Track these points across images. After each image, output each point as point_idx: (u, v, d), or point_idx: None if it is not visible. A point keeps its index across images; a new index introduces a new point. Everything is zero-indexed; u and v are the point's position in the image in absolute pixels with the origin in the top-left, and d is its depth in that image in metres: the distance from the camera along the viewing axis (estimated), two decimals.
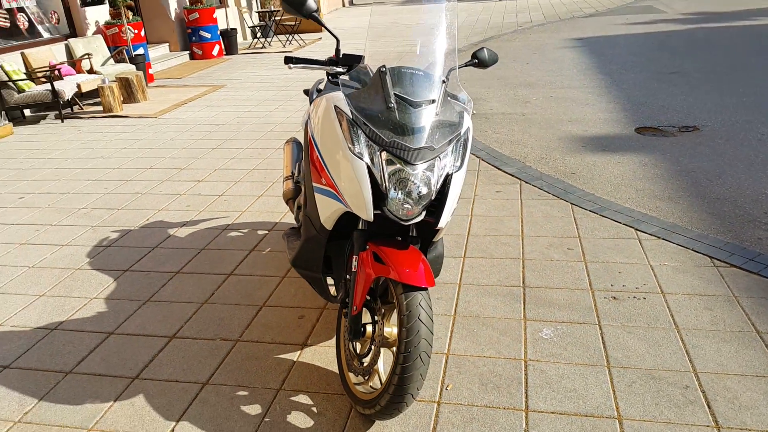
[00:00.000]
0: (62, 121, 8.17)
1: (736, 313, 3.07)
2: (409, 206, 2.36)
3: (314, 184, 2.66)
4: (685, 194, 4.57)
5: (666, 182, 4.82)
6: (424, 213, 2.41)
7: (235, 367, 2.94)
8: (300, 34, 16.08)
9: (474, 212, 4.46)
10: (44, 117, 8.51)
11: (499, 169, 5.33)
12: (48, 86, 7.90)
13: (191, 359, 3.03)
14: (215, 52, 12.92)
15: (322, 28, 15.87)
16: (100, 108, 8.62)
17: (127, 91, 8.73)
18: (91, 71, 9.27)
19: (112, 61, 9.82)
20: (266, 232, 4.40)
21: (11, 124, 7.79)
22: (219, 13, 14.04)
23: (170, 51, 12.74)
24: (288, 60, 2.74)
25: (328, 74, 2.75)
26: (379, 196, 2.37)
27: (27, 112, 8.68)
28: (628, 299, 3.26)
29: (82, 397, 2.80)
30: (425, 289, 2.35)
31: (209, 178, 5.61)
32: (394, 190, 2.35)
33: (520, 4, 20.23)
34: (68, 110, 8.67)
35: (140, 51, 10.20)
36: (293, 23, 14.87)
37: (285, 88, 9.45)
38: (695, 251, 3.68)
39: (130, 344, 3.18)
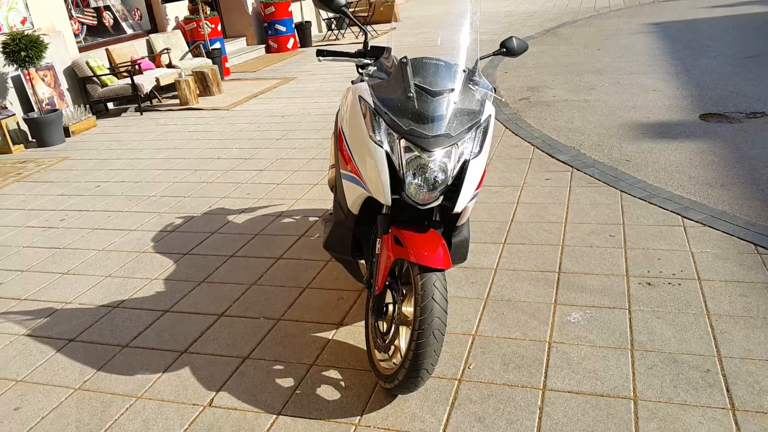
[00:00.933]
0: (141, 114, 8.71)
1: None
2: (426, 191, 2.47)
3: (342, 171, 2.82)
4: (739, 181, 4.42)
5: (721, 169, 4.67)
6: (441, 198, 2.51)
7: (274, 344, 3.15)
8: (373, 25, 16.27)
9: (521, 200, 4.49)
10: (125, 110, 9.09)
11: (552, 156, 5.31)
12: (129, 80, 8.43)
13: (236, 336, 3.25)
14: (290, 45, 13.30)
15: (397, 18, 15.89)
16: (177, 101, 9.11)
17: (203, 84, 9.18)
18: (169, 65, 9.80)
19: (189, 55, 10.33)
20: (317, 218, 4.61)
21: (95, 117, 8.38)
22: (294, 7, 14.41)
23: (247, 45, 13.22)
24: (319, 53, 2.90)
25: (357, 66, 2.88)
26: (399, 181, 2.49)
27: (110, 105, 9.29)
28: (662, 285, 3.24)
29: (134, 369, 3.08)
30: (441, 270, 2.46)
31: (270, 167, 5.88)
32: (412, 175, 2.46)
33: None
34: (147, 103, 9.22)
35: (217, 45, 10.67)
36: (366, 14, 15.08)
37: (353, 78, 9.66)
38: (740, 238, 3.59)
39: (182, 321, 3.45)
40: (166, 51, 9.77)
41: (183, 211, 5.03)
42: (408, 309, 2.61)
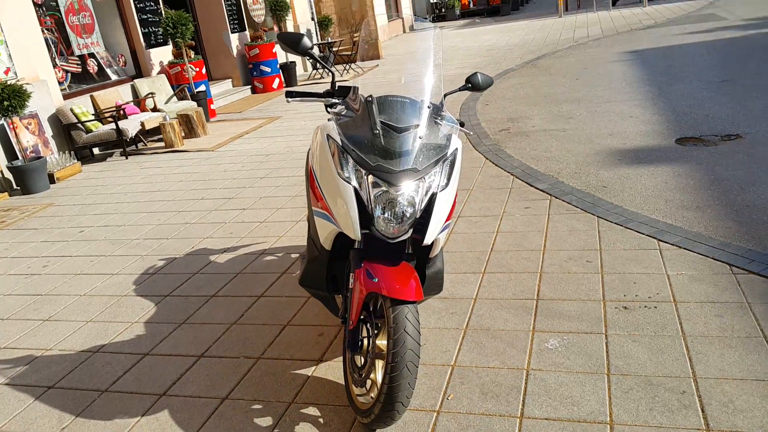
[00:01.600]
0: (126, 158, 8.76)
1: (746, 319, 3.03)
2: (395, 225, 2.50)
3: (313, 208, 2.85)
4: (714, 203, 4.48)
5: (696, 192, 4.73)
6: (411, 231, 2.55)
7: (253, 383, 3.13)
8: (357, 63, 16.50)
9: (501, 228, 4.53)
10: (111, 154, 9.14)
11: (531, 185, 5.37)
12: (113, 126, 8.50)
13: (215, 376, 3.24)
14: (275, 85, 13.47)
15: (380, 55, 16.12)
16: (163, 144, 9.17)
17: (188, 126, 9.27)
18: (154, 109, 9.89)
19: (175, 98, 10.44)
20: (298, 254, 4.62)
21: (79, 162, 8.43)
22: (278, 48, 14.63)
23: (233, 86, 13.38)
24: (288, 94, 2.96)
25: (325, 106, 2.94)
26: (369, 216, 2.53)
27: (96, 150, 9.34)
28: (638, 308, 3.26)
29: (113, 413, 3.05)
30: (414, 302, 2.48)
31: (254, 205, 5.91)
32: (381, 210, 2.50)
33: (579, 19, 20.03)
34: (133, 147, 9.29)
35: (201, 88, 10.80)
36: (350, 53, 15.32)
37: None
38: (715, 259, 3.63)
39: (162, 364, 3.43)
40: (150, 95, 9.88)
41: (165, 252, 5.04)
42: (382, 342, 2.62)
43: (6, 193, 7.58)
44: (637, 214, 4.45)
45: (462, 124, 3.09)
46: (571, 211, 4.67)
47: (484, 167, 6.06)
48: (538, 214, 4.70)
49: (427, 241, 2.54)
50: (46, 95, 8.48)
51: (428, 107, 2.69)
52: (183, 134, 9.34)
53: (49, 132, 8.40)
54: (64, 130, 8.62)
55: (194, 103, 10.24)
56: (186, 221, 5.74)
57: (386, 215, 2.50)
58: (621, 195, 4.89)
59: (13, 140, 7.72)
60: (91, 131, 8.62)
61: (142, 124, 8.91)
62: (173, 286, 4.38)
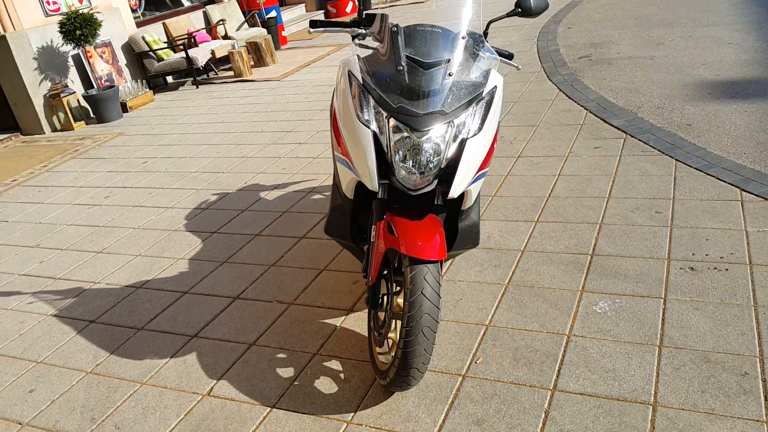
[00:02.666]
0: (197, 87, 8.77)
1: None
2: (417, 176, 2.25)
3: (335, 153, 2.63)
4: None
5: None
6: (435, 182, 2.29)
7: (282, 330, 3.04)
8: None
9: (563, 171, 4.16)
10: (183, 83, 9.18)
11: (605, 121, 4.90)
12: (184, 54, 8.47)
13: (246, 320, 3.17)
14: (348, 9, 13.06)
15: None
16: (232, 73, 9.11)
17: (257, 55, 9.14)
18: (225, 37, 9.80)
19: (246, 25, 10.29)
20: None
21: (152, 91, 8.50)
22: None
23: (306, 11, 13.08)
24: (312, 24, 2.70)
25: (352, 37, 2.66)
26: (389, 164, 2.29)
27: (169, 79, 9.40)
28: (707, 270, 2.89)
29: (144, 353, 3.05)
30: (434, 262, 2.25)
31: (309, 140, 5.75)
32: (402, 158, 2.26)
33: None
34: (204, 76, 9.27)
35: (272, 14, 10.57)
36: None
37: None
38: None
39: (198, 304, 3.40)
40: (221, 22, 9.76)
41: (219, 187, 4.99)
42: (401, 301, 2.42)
43: (83, 122, 7.78)
44: (721, 158, 3.96)
45: (510, 56, 2.74)
46: (647, 153, 4.22)
47: (556, 100, 5.59)
48: (609, 155, 4.28)
49: (453, 194, 2.27)
50: (119, 23, 8.52)
51: (463, 38, 2.36)
52: (252, 63, 9.22)
53: (122, 60, 8.49)
54: (137, 58, 8.69)
55: (264, 30, 10.05)
56: (243, 155, 5.67)
57: (407, 164, 2.25)
58: (706, 135, 4.36)
59: (88, 69, 7.85)
60: (162, 59, 8.64)
61: (213, 52, 8.84)
62: (221, 223, 4.34)
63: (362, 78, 2.37)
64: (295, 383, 2.66)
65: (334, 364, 2.73)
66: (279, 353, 2.88)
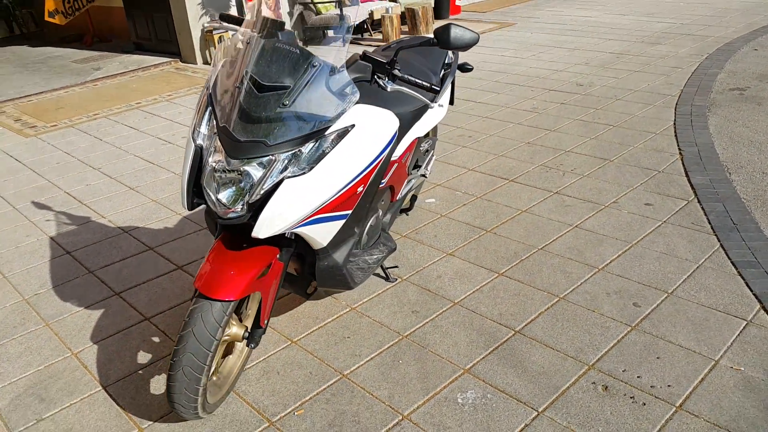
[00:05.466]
0: (343, 45, 8.87)
1: None
2: (223, 204, 2.10)
3: None
4: None
5: None
6: (248, 215, 2.11)
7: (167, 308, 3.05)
8: None
9: (584, 224, 3.58)
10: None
11: (686, 175, 4.10)
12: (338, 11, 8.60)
13: (162, 294, 3.23)
14: None
15: None
16: (381, 37, 9.07)
17: (412, 22, 8.98)
18: None
19: None
20: None
21: (301, 42, 8.78)
22: None
23: None
24: (221, 17, 2.59)
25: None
26: None
27: (330, 33, 9.62)
28: (620, 396, 2.35)
29: (72, 297, 3.27)
30: (227, 301, 2.10)
31: None
32: (210, 183, 2.11)
33: None
34: (358, 35, 9.35)
35: None
36: None
37: (585, 34, 8.49)
38: None
39: (151, 263, 3.53)
40: None
41: None
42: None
43: None
44: None
45: (438, 92, 2.38)
46: (695, 226, 3.47)
47: (658, 135, 4.78)
48: (652, 218, 3.59)
49: (257, 233, 2.07)
50: None
51: (314, 66, 2.11)
52: (402, 30, 9.08)
53: (285, 8, 8.86)
54: (299, 9, 8.99)
55: None
56: None
57: (215, 191, 2.10)
58: None
59: (246, 10, 8.31)
60: (320, 13, 8.86)
61: (371, 13, 8.86)
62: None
63: (211, 86, 2.23)
64: (140, 372, 2.68)
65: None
66: (155, 337, 2.91)
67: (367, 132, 2.25)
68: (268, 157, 2.05)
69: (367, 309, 2.99)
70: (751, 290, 2.89)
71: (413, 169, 3.49)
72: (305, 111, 2.08)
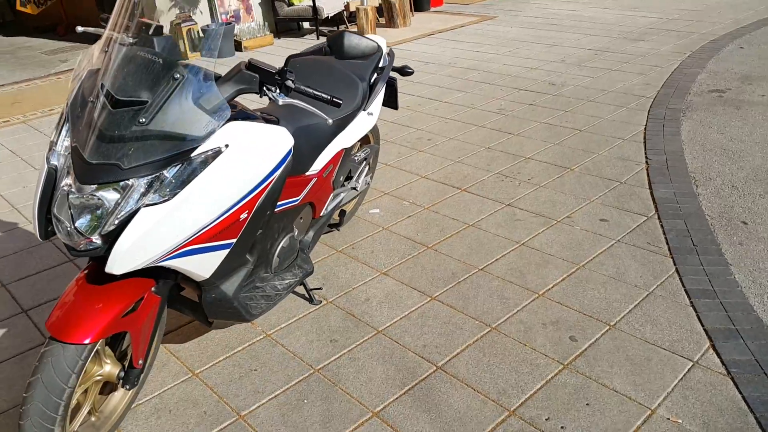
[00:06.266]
0: (318, 39, 8.58)
1: None
2: (73, 235, 1.83)
3: None
4: None
5: None
6: (104, 247, 1.84)
7: None
8: None
9: (531, 242, 3.32)
10: (313, 32, 9.04)
11: (650, 187, 3.83)
12: (311, 2, 8.30)
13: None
14: None
15: None
16: (356, 30, 8.77)
17: (389, 14, 8.68)
18: None
19: None
20: None
21: (272, 35, 8.48)
22: None
23: None
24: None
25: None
26: None
27: (306, 25, 9.31)
28: None
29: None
30: (81, 345, 1.85)
31: None
32: (62, 209, 1.84)
33: None
34: (334, 28, 9.05)
35: None
36: None
37: (567, 29, 8.18)
38: None
39: None
40: None
41: None
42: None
43: (198, 54, 8.03)
44: (733, 287, 2.86)
45: (331, 102, 2.11)
46: (652, 247, 3.21)
47: (626, 141, 4.51)
48: (606, 236, 3.33)
49: (110, 269, 1.81)
50: None
51: (176, 77, 1.83)
52: (382, 22, 8.78)
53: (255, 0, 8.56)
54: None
55: None
56: None
57: (65, 220, 1.83)
58: (749, 246, 3.19)
59: (217, 3, 8.01)
60: (292, 4, 8.56)
61: (347, 5, 8.56)
62: None
63: (71, 100, 1.96)
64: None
65: None
66: None
67: (246, 152, 1.98)
68: (123, 182, 1.78)
69: (282, 336, 2.73)
70: (702, 325, 2.63)
71: (347, 180, 3.23)
72: (166, 130, 1.81)
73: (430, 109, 5.48)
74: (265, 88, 2.04)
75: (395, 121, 5.26)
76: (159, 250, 1.83)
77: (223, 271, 2.14)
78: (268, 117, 2.21)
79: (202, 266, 2.01)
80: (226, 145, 1.90)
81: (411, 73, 3.30)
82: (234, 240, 2.07)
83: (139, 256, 1.81)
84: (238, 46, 8.05)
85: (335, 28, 9.04)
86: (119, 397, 2.32)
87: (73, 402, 1.96)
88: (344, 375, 2.48)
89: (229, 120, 1.94)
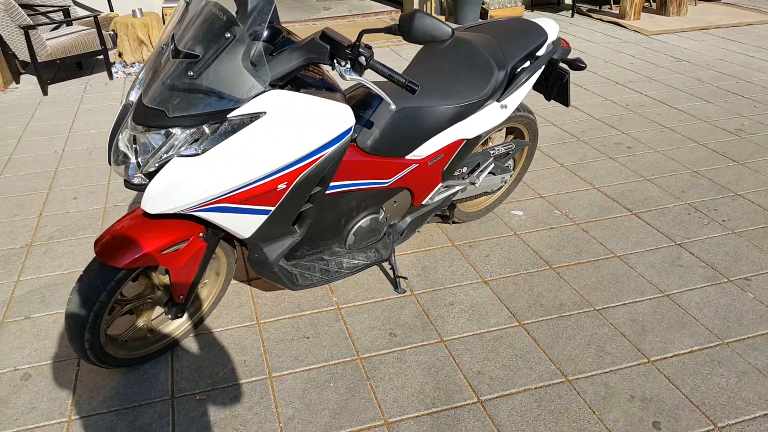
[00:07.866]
0: (572, 16, 7.98)
1: None
2: (121, 168, 1.95)
3: None
4: None
5: None
6: (147, 184, 1.94)
7: None
8: None
9: (679, 295, 2.75)
10: (573, 8, 8.42)
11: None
12: None
13: None
14: None
15: None
16: (618, 11, 7.95)
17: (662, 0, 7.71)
18: None
19: None
20: None
21: (523, 6, 8.08)
22: None
23: None
24: None
25: None
26: None
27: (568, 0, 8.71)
28: None
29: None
30: (116, 269, 2.01)
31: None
32: (118, 144, 1.97)
33: None
34: (595, 7, 8.31)
35: None
36: None
37: None
38: None
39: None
40: None
41: None
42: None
43: (443, 16, 8.00)
44: None
45: (409, 86, 1.94)
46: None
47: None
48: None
49: (144, 206, 1.89)
50: None
51: (228, 37, 1.79)
52: (653, 7, 7.84)
53: None
54: None
55: None
56: None
57: (120, 152, 1.95)
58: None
59: None
60: None
61: None
62: None
63: (158, 43, 2.04)
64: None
65: None
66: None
67: (287, 123, 1.88)
68: (165, 129, 1.82)
69: (350, 313, 2.65)
70: None
71: (471, 173, 2.97)
72: (210, 86, 1.79)
73: (651, 113, 4.79)
74: (335, 61, 1.91)
75: (600, 119, 4.70)
76: (187, 200, 1.86)
77: (265, 235, 2.11)
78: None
79: (238, 225, 2.01)
80: (264, 113, 1.83)
81: (583, 68, 2.88)
82: (272, 208, 2.02)
83: (169, 202, 1.85)
84: (484, 14, 7.83)
85: (597, 7, 8.32)
86: (176, 324, 2.47)
87: (108, 316, 2.12)
88: (381, 372, 2.33)
89: (283, 88, 1.87)
